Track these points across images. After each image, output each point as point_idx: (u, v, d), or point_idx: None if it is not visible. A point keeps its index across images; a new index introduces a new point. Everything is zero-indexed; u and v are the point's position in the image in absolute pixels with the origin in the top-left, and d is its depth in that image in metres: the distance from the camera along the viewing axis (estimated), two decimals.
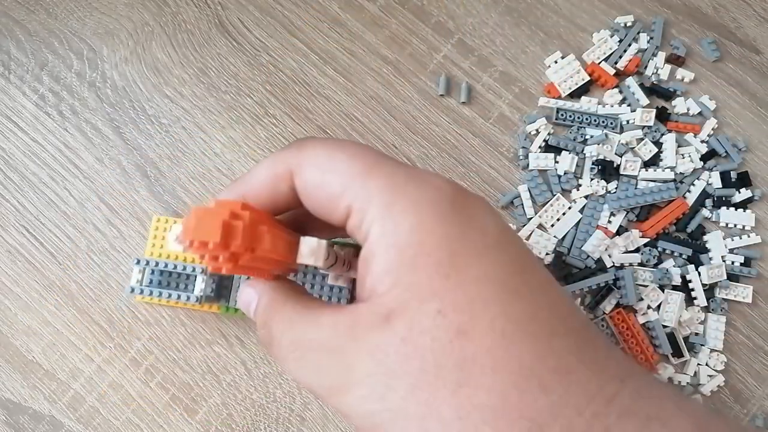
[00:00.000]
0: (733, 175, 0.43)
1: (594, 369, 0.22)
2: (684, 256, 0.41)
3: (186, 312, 0.41)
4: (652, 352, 0.39)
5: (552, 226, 0.42)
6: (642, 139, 0.43)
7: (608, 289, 0.40)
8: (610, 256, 0.41)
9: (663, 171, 0.42)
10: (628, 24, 0.45)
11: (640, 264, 0.41)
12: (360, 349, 0.22)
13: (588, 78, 0.44)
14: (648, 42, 0.45)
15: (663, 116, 0.43)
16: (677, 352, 0.39)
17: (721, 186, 0.42)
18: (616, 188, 0.42)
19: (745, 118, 0.44)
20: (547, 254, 0.41)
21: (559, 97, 0.44)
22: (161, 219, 0.40)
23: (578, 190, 0.42)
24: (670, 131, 0.43)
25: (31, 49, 0.45)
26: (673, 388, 0.26)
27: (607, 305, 0.40)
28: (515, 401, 0.21)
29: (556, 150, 0.43)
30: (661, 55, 0.45)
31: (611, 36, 0.45)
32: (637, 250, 0.41)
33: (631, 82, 0.44)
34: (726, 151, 0.43)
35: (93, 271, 0.41)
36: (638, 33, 0.45)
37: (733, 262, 0.41)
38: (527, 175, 0.42)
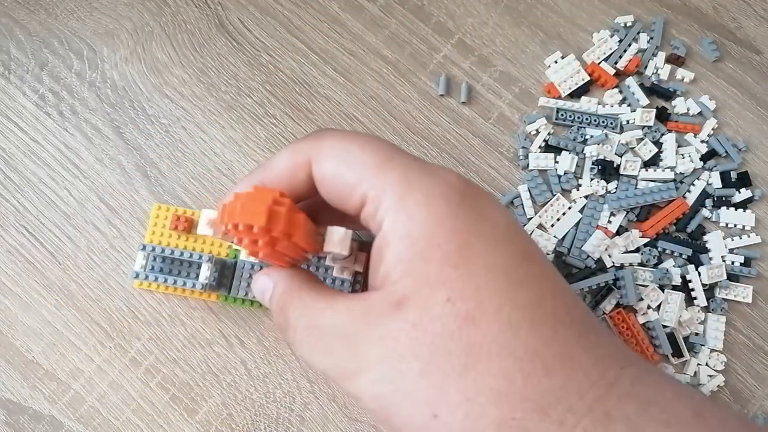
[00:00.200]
0: (733, 175, 0.43)
1: (595, 356, 0.23)
2: (684, 256, 0.41)
3: (186, 312, 0.41)
4: (652, 352, 0.39)
5: (552, 226, 0.42)
6: (642, 139, 0.43)
7: (608, 289, 0.40)
8: (610, 256, 0.41)
9: (663, 171, 0.42)
10: (628, 24, 0.45)
11: (640, 264, 0.41)
12: (372, 334, 0.23)
13: (588, 78, 0.44)
14: (648, 42, 0.45)
15: (663, 116, 0.43)
16: (677, 352, 0.39)
17: (721, 186, 0.42)
18: (616, 188, 0.42)
19: (745, 118, 0.44)
20: (547, 254, 0.41)
21: (559, 97, 0.44)
22: (162, 207, 0.41)
23: (578, 190, 0.42)
24: (670, 131, 0.43)
25: (31, 49, 0.45)
26: (671, 377, 0.27)
27: (607, 305, 0.40)
28: (520, 384, 0.22)
29: (556, 150, 0.43)
30: (661, 55, 0.45)
31: (611, 36, 0.45)
32: (637, 250, 0.41)
33: (631, 82, 0.44)
34: (726, 151, 0.43)
35: (93, 271, 0.41)
36: (638, 33, 0.45)
37: (733, 262, 0.41)
38: (527, 175, 0.42)
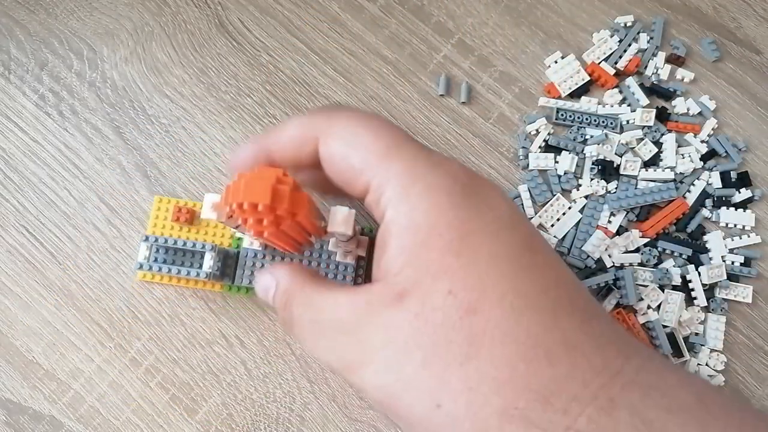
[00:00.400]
0: (733, 175, 0.43)
1: (599, 344, 0.23)
2: (684, 256, 0.41)
3: (186, 312, 0.41)
4: None
5: (552, 226, 0.42)
6: (642, 139, 0.43)
7: (608, 289, 0.40)
8: (610, 256, 0.41)
9: (663, 171, 0.42)
10: (628, 24, 0.45)
11: (640, 264, 0.41)
12: (375, 325, 0.23)
13: (588, 78, 0.44)
14: (648, 42, 0.45)
15: (663, 116, 0.43)
16: (677, 352, 0.39)
17: (721, 186, 0.42)
18: (616, 188, 0.42)
19: (745, 118, 0.44)
20: None
21: (559, 97, 0.44)
22: (163, 199, 0.41)
23: (578, 190, 0.42)
24: (670, 131, 0.43)
25: (31, 49, 0.45)
26: (674, 364, 0.27)
27: (607, 305, 0.40)
28: (522, 372, 0.22)
29: (556, 150, 0.43)
30: (661, 55, 0.45)
31: (611, 36, 0.45)
32: (637, 250, 0.41)
33: (631, 82, 0.44)
34: (726, 151, 0.43)
35: (93, 271, 0.41)
36: (638, 33, 0.45)
37: (733, 262, 0.41)
38: (527, 175, 0.42)
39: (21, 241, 0.42)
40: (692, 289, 0.40)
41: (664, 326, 0.40)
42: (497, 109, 0.44)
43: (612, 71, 0.44)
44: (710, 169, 0.43)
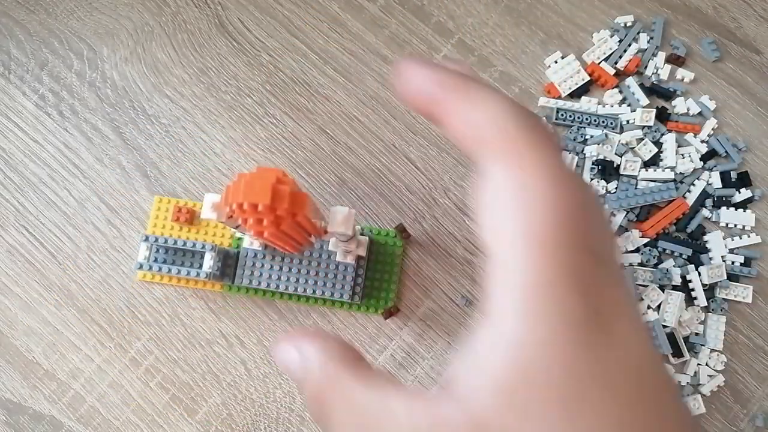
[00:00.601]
0: (733, 175, 0.43)
1: None
2: (684, 256, 0.41)
3: (186, 312, 0.41)
4: None
5: None
6: (642, 139, 0.43)
7: None
8: None
9: (663, 171, 0.42)
10: (628, 24, 0.45)
11: (640, 264, 0.41)
12: None
13: (588, 78, 0.44)
14: (648, 42, 0.45)
15: (663, 116, 0.43)
16: (677, 352, 0.39)
17: (721, 186, 0.42)
18: (616, 188, 0.42)
19: (745, 118, 0.44)
20: None
21: (559, 97, 0.44)
22: (163, 199, 0.41)
23: None
24: (670, 131, 0.43)
25: (31, 49, 0.45)
26: None
27: None
28: None
29: None
30: (661, 55, 0.45)
31: (611, 36, 0.45)
32: (637, 250, 0.41)
33: (631, 82, 0.44)
34: (726, 151, 0.43)
35: (93, 271, 0.41)
36: (638, 33, 0.45)
37: (733, 262, 0.41)
38: None
39: (21, 241, 0.42)
40: (692, 289, 0.40)
41: (664, 326, 0.40)
42: None
43: (612, 71, 0.44)
44: (710, 169, 0.43)
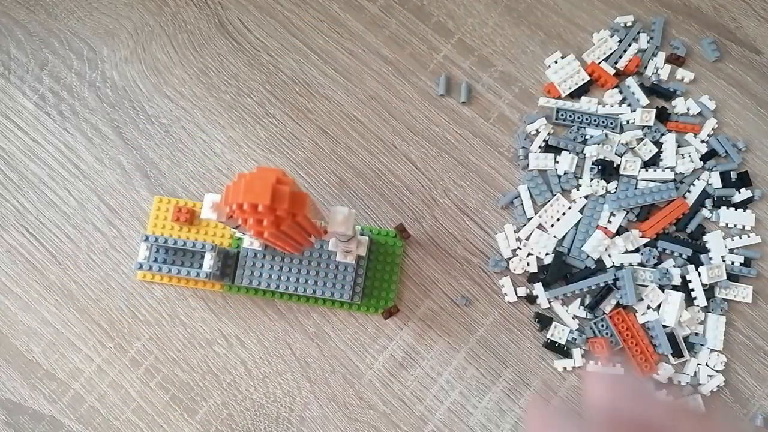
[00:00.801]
0: (733, 175, 0.43)
1: None
2: (684, 256, 0.41)
3: (186, 312, 0.41)
4: (652, 352, 0.39)
5: (552, 226, 0.42)
6: (642, 139, 0.43)
7: (608, 289, 0.40)
8: (610, 256, 0.41)
9: (663, 171, 0.42)
10: (628, 24, 0.45)
11: (640, 264, 0.41)
12: None
13: (588, 78, 0.44)
14: (648, 42, 0.45)
15: (663, 116, 0.43)
16: (677, 352, 0.39)
17: (721, 186, 0.42)
18: (616, 188, 0.42)
19: (745, 118, 0.44)
20: (547, 254, 0.41)
21: (559, 97, 0.44)
22: (163, 199, 0.41)
23: (578, 190, 0.42)
24: (670, 131, 0.43)
25: (31, 49, 0.45)
26: None
27: (607, 305, 0.40)
28: None
29: (556, 150, 0.43)
30: (661, 55, 0.45)
31: (611, 36, 0.45)
32: (637, 250, 0.41)
33: (631, 82, 0.44)
34: (726, 151, 0.43)
35: (93, 271, 0.41)
36: (638, 33, 0.45)
37: (733, 262, 0.41)
38: (527, 175, 0.42)
39: (21, 241, 0.42)
40: (692, 289, 0.40)
41: (664, 326, 0.40)
42: (497, 109, 0.44)
43: (612, 71, 0.44)
44: (710, 169, 0.43)
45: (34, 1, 0.45)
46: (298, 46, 0.45)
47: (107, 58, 0.45)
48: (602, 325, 0.40)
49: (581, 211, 0.42)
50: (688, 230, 0.42)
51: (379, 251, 0.40)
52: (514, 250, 0.42)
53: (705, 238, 0.42)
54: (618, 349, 0.40)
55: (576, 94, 0.44)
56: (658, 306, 0.40)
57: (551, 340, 0.40)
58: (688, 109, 0.44)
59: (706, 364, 0.40)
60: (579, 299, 0.41)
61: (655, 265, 0.41)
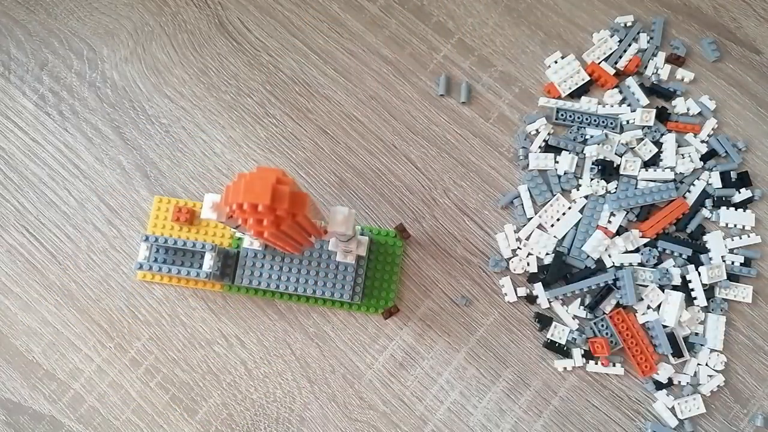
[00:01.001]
0: (733, 175, 0.43)
1: None
2: (684, 256, 0.41)
3: (186, 312, 0.41)
4: (652, 352, 0.39)
5: (552, 226, 0.42)
6: (642, 139, 0.43)
7: (608, 289, 0.40)
8: (610, 256, 0.41)
9: (663, 171, 0.42)
10: (628, 24, 0.45)
11: (640, 264, 0.41)
12: None
13: (588, 78, 0.44)
14: (648, 42, 0.45)
15: (663, 116, 0.43)
16: (677, 352, 0.39)
17: (721, 186, 0.42)
18: (616, 188, 0.42)
19: (745, 118, 0.44)
20: (547, 254, 0.41)
21: (559, 97, 0.44)
22: (163, 199, 0.41)
23: (578, 190, 0.42)
24: (670, 131, 0.43)
25: (31, 49, 0.45)
26: None
27: (607, 305, 0.40)
28: None
29: (556, 150, 0.43)
30: (661, 55, 0.45)
31: (611, 36, 0.45)
32: (637, 250, 0.41)
33: (631, 82, 0.44)
34: (726, 151, 0.43)
35: (93, 271, 0.41)
36: (638, 33, 0.45)
37: (733, 262, 0.41)
38: (527, 175, 0.42)
39: (21, 241, 0.42)
40: (692, 289, 0.40)
41: (664, 326, 0.40)
42: (497, 109, 0.44)
43: (612, 71, 0.44)
44: (710, 169, 0.43)
45: (34, 1, 0.45)
46: (298, 46, 0.45)
47: (107, 58, 0.45)
48: (602, 325, 0.40)
49: (581, 211, 0.42)
50: (688, 230, 0.42)
51: (379, 251, 0.40)
52: (514, 250, 0.42)
53: (705, 238, 0.42)
54: (618, 349, 0.40)
55: (576, 94, 0.44)
56: (658, 306, 0.40)
57: (551, 340, 0.40)
58: (688, 109, 0.44)
59: (706, 364, 0.40)
60: (579, 299, 0.41)
61: (655, 265, 0.41)
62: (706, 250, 0.41)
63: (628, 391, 0.40)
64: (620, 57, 0.44)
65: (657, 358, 0.40)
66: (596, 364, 0.40)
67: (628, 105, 0.44)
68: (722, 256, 0.41)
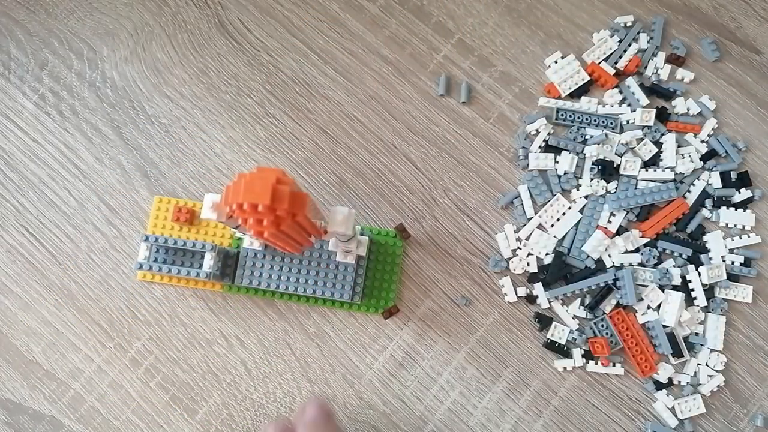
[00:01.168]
0: (733, 175, 0.43)
1: None
2: (684, 256, 0.41)
3: (186, 312, 0.41)
4: (652, 352, 0.39)
5: (552, 226, 0.42)
6: (642, 139, 0.43)
7: (608, 289, 0.40)
8: (610, 256, 0.41)
9: (663, 171, 0.42)
10: (628, 24, 0.45)
11: (640, 264, 0.41)
12: None
13: (588, 78, 0.44)
14: (648, 42, 0.45)
15: (663, 116, 0.43)
16: (677, 352, 0.39)
17: (721, 186, 0.42)
18: (616, 188, 0.42)
19: (745, 118, 0.44)
20: (547, 254, 0.41)
21: (559, 97, 0.44)
22: (163, 199, 0.41)
23: (578, 190, 0.42)
24: (670, 131, 0.43)
25: (31, 49, 0.45)
26: None
27: (607, 305, 0.40)
28: None
29: (556, 150, 0.43)
30: (661, 55, 0.45)
31: (611, 36, 0.45)
32: (637, 250, 0.41)
33: (631, 82, 0.44)
34: (726, 151, 0.43)
35: (93, 271, 0.41)
36: (638, 33, 0.45)
37: (733, 262, 0.41)
38: (527, 175, 0.42)
39: (21, 241, 0.42)
40: (692, 289, 0.40)
41: (664, 326, 0.40)
42: (497, 109, 0.44)
43: (612, 71, 0.44)
44: (710, 169, 0.43)
45: (34, 1, 0.45)
46: (298, 46, 0.45)
47: (107, 58, 0.45)
48: (602, 325, 0.40)
49: (581, 211, 0.42)
50: (688, 230, 0.42)
51: (379, 251, 0.40)
52: (514, 250, 0.42)
53: (705, 238, 0.42)
54: (618, 349, 0.40)
55: (576, 94, 0.44)
56: (658, 306, 0.40)
57: (551, 340, 0.40)
58: (688, 109, 0.44)
59: (706, 364, 0.40)
60: (579, 299, 0.41)
61: (655, 265, 0.41)
62: (706, 250, 0.41)
63: (628, 391, 0.40)
64: (620, 57, 0.44)
65: (657, 358, 0.40)
66: (596, 364, 0.40)
67: (628, 105, 0.44)
68: (722, 256, 0.41)
